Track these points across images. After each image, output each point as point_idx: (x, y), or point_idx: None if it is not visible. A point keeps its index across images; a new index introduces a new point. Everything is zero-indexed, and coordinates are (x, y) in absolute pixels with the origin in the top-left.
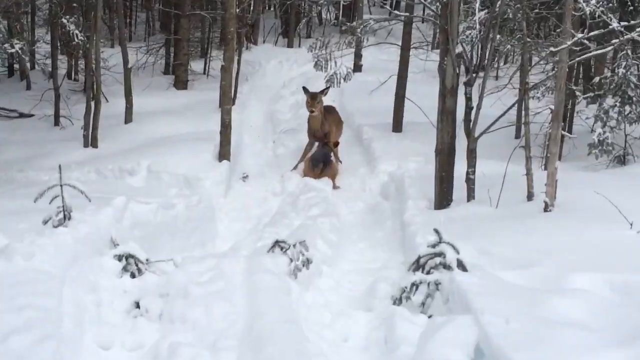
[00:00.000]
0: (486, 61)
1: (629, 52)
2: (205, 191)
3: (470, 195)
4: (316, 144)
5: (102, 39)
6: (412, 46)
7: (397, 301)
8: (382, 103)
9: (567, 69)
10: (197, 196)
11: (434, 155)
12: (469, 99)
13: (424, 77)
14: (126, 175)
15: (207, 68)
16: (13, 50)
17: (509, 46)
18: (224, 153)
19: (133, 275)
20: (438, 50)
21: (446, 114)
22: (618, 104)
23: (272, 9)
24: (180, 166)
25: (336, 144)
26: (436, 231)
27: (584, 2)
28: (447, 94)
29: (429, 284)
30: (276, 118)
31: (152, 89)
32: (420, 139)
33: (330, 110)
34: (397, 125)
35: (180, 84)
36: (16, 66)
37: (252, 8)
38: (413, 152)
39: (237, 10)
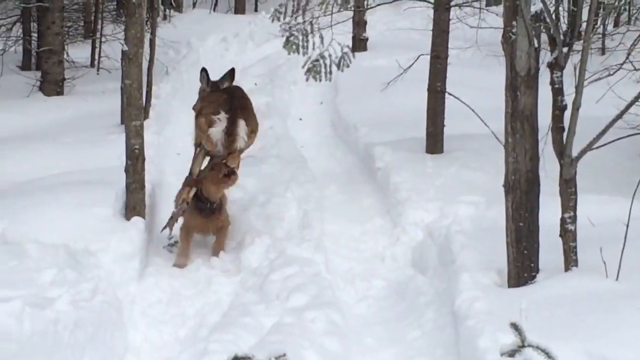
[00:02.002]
0: (584, 25)
1: None
2: (105, 273)
3: (570, 260)
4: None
5: None
6: (453, 3)
7: None
8: (405, 104)
9: None
10: (90, 282)
11: (501, 191)
12: (558, 91)
13: (477, 56)
14: None
15: (96, 56)
16: None
17: None
18: (133, 204)
19: None
20: (500, 9)
21: (520, 121)
22: None
23: None
24: (59, 231)
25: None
26: (515, 327)
27: None
28: (519, 86)
29: None
30: None
31: (2, 96)
32: (475, 164)
33: (240, 102)
34: (435, 143)
35: (52, 85)
36: None
37: None
38: (464, 187)
39: None
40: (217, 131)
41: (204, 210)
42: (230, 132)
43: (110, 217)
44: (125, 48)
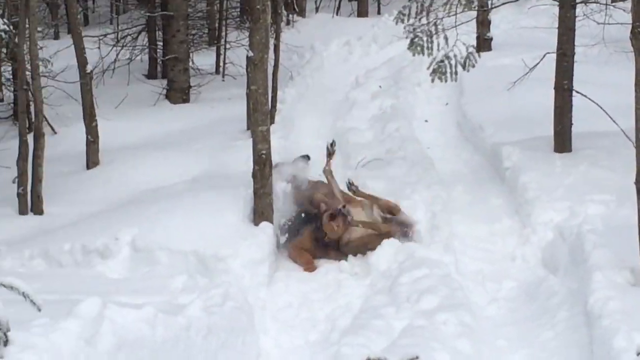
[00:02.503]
0: None
1: None
2: (235, 279)
3: None
4: None
5: (39, 26)
6: (578, 0)
7: None
8: (532, 103)
9: None
10: (220, 288)
11: (633, 189)
12: None
13: (604, 52)
14: (95, 259)
15: (221, 63)
16: None
17: None
18: (262, 210)
19: None
20: (628, 4)
21: None
22: None
23: None
24: (188, 238)
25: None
26: None
27: None
28: None
29: None
30: (348, 141)
31: (129, 105)
32: (605, 162)
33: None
34: (563, 142)
35: (178, 93)
36: None
37: None
38: (595, 187)
39: None
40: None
41: (319, 240)
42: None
43: (238, 223)
44: (251, 54)
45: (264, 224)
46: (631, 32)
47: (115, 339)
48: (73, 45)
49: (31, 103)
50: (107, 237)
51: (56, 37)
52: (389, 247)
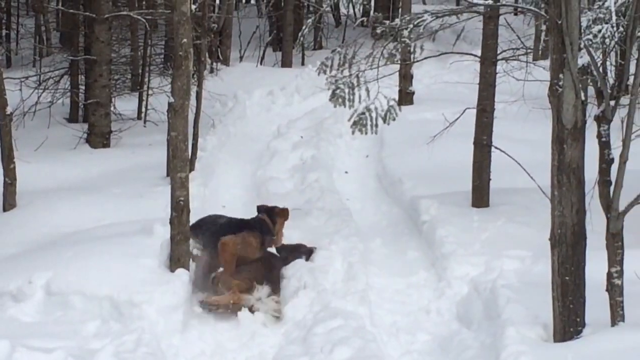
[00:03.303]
0: (632, 78)
1: None
2: (148, 325)
3: (617, 315)
4: None
5: None
6: (499, 56)
7: None
8: (451, 158)
9: None
10: (133, 334)
11: (548, 245)
12: (605, 144)
13: (524, 109)
14: (8, 302)
15: (143, 109)
16: None
17: None
18: (178, 256)
19: None
20: (547, 63)
21: (567, 174)
22: None
23: (252, 0)
24: (103, 282)
25: None
26: None
27: None
28: (566, 139)
29: None
30: (268, 191)
31: (49, 148)
32: (521, 218)
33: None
34: (481, 196)
35: (98, 138)
36: None
37: (218, 2)
38: (510, 242)
39: (194, 6)
40: None
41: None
42: None
43: (155, 269)
44: (172, 100)
45: (180, 271)
46: (549, 89)
47: None
48: None
49: None
50: (21, 280)
51: None
52: (304, 298)
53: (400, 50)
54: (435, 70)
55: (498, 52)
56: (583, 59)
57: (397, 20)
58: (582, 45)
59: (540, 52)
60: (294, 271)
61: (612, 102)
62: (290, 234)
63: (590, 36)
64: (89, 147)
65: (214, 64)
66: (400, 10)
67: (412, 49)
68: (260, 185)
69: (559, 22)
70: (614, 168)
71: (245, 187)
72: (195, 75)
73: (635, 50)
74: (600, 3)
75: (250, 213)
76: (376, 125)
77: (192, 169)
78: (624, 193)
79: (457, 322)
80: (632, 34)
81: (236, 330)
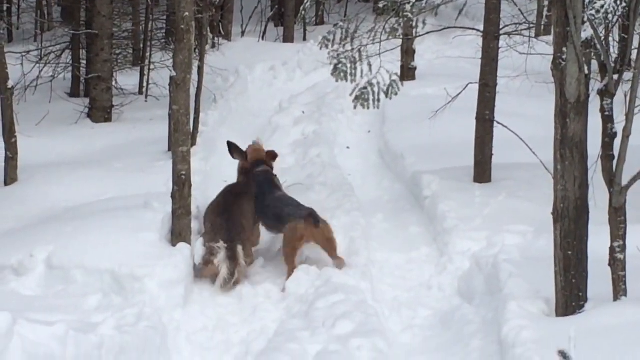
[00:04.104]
0: (635, 52)
1: None
2: (150, 299)
3: (619, 290)
4: None
5: None
6: (502, 31)
7: None
8: (453, 133)
9: None
10: (135, 308)
11: (550, 220)
12: (608, 118)
13: (526, 84)
14: (10, 276)
15: (144, 84)
16: None
17: None
18: (180, 230)
19: None
20: (549, 37)
21: (570, 148)
22: None
23: None
24: (105, 256)
25: None
26: (563, 355)
27: None
28: (569, 113)
29: None
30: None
31: (51, 123)
32: (523, 193)
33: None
34: (483, 172)
35: (100, 112)
36: None
37: None
38: (512, 217)
39: None
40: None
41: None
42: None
43: (156, 243)
44: (173, 74)
45: (182, 245)
46: (552, 62)
47: (25, 355)
48: None
49: None
50: (22, 254)
51: None
52: (306, 272)
53: (402, 25)
54: (438, 46)
55: (500, 27)
56: (586, 33)
57: None
58: (585, 19)
59: (542, 27)
60: None
61: (616, 77)
62: None
63: (593, 11)
64: (90, 121)
65: (216, 38)
66: None
67: (414, 24)
68: None
69: None
70: (617, 142)
71: None
72: (197, 50)
73: (639, 25)
74: None
75: None
76: (378, 100)
77: (193, 143)
78: (627, 168)
79: (458, 297)
80: (636, 8)
81: (238, 304)
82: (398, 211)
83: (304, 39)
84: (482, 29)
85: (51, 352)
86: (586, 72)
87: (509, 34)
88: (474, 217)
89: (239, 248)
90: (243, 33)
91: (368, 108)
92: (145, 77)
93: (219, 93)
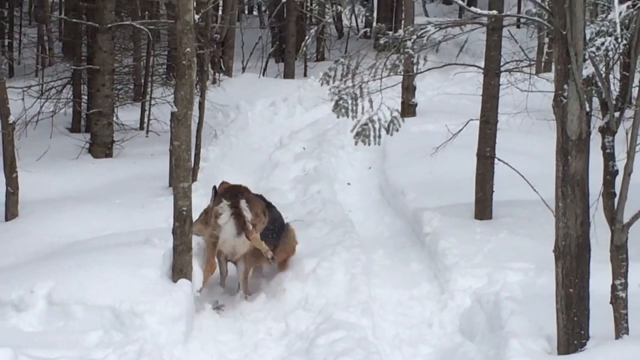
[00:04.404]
0: (636, 90)
1: None
2: (150, 335)
3: (621, 328)
4: None
5: None
6: (503, 68)
7: None
8: (454, 170)
9: None
10: (135, 344)
11: (551, 258)
12: (609, 156)
13: (527, 121)
14: (10, 312)
15: (145, 119)
16: None
17: None
18: (180, 266)
19: None
20: (550, 74)
21: (571, 185)
22: None
23: (255, 11)
24: (105, 293)
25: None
26: None
27: None
28: (570, 150)
29: None
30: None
31: (51, 158)
32: (524, 230)
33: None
34: (483, 208)
35: (101, 147)
36: None
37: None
38: (513, 254)
39: (197, 17)
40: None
41: None
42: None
43: (157, 279)
44: (175, 109)
45: (183, 281)
46: (553, 100)
47: None
48: None
49: None
50: (23, 290)
51: None
52: (307, 309)
53: (403, 61)
54: (438, 82)
55: (501, 64)
56: (587, 70)
57: (401, 31)
58: (586, 57)
59: (543, 64)
60: (296, 282)
61: (617, 114)
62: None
63: (594, 48)
64: (91, 157)
65: (217, 74)
66: (402, 21)
67: (415, 60)
68: (263, 195)
69: (564, 32)
70: (619, 180)
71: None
72: (198, 86)
73: (638, 63)
74: (604, 16)
75: None
76: (379, 136)
77: (194, 179)
78: (628, 205)
79: (460, 335)
80: (637, 46)
81: (239, 341)
82: (399, 247)
83: (305, 75)
84: (482, 65)
85: None
86: (587, 109)
87: (509, 70)
88: (475, 254)
89: (243, 202)
90: (244, 69)
91: (369, 144)
92: (146, 113)
93: (219, 129)
